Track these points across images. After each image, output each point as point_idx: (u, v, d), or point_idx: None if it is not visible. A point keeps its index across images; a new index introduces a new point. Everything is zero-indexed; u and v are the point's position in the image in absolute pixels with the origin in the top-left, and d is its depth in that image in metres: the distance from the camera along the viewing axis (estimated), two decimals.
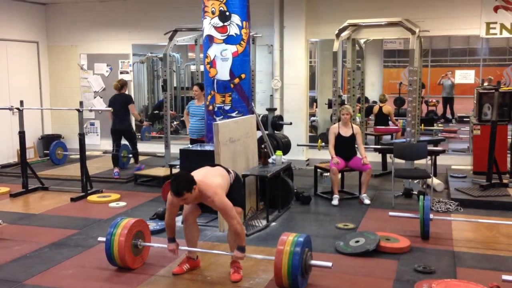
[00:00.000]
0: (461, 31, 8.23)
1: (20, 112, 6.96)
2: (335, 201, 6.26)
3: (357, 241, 4.71)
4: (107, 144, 9.95)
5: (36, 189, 7.10)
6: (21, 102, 7.01)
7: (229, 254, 4.05)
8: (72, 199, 6.55)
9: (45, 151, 9.45)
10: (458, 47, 21.15)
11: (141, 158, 9.10)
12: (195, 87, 6.98)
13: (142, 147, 9.57)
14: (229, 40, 5.59)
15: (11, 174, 8.20)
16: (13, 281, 4.06)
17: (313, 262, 3.87)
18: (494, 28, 7.66)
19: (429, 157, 6.66)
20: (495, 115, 6.59)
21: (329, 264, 3.86)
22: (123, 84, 7.91)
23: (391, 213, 5.28)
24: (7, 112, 8.32)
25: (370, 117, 10.41)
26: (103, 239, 4.24)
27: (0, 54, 9.13)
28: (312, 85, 10.90)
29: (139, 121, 8.69)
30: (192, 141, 6.83)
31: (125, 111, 7.77)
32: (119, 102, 7.76)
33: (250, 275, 4.10)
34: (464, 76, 14.92)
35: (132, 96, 9.98)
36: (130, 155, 8.36)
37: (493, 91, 6.87)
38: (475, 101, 8.00)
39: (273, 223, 5.50)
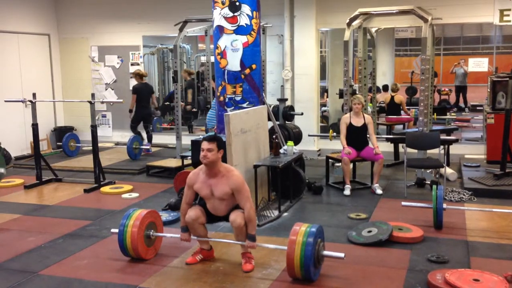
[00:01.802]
0: (474, 18, 8.11)
1: (33, 104, 7.02)
2: (347, 191, 6.24)
3: (369, 231, 4.70)
4: (119, 136, 10.02)
5: (50, 181, 7.17)
6: (34, 95, 7.06)
7: (242, 243, 4.06)
8: (85, 191, 6.61)
9: (58, 143, 9.52)
10: (471, 34, 20.87)
11: (153, 149, 9.17)
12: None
13: (154, 138, 9.63)
14: (240, 30, 5.57)
15: (25, 166, 8.28)
16: (28, 272, 4.11)
17: (325, 252, 3.86)
18: (508, 15, 7.54)
19: (442, 147, 6.61)
20: (509, 104, 6.50)
21: (342, 255, 3.86)
22: (145, 75, 8.99)
23: (403, 203, 5.26)
24: (20, 104, 8.38)
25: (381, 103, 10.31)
26: (116, 230, 4.27)
27: (12, 47, 9.20)
28: (323, 75, 10.83)
29: (155, 108, 9.57)
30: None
31: (149, 98, 8.92)
32: (145, 90, 8.84)
33: (262, 265, 4.11)
34: (478, 64, 14.71)
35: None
36: (142, 147, 8.65)
37: (507, 79, 6.78)
38: (488, 89, 7.91)
39: (285, 214, 5.51)
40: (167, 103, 11.47)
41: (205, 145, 3.93)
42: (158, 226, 4.44)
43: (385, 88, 11.88)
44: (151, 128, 9.15)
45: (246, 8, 5.55)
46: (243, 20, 5.55)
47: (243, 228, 3.98)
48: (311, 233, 3.73)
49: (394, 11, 7.35)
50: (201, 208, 4.16)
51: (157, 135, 10.11)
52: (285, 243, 4.56)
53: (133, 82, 9.91)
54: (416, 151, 6.76)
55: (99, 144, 7.04)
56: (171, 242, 4.66)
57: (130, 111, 8.89)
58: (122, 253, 4.28)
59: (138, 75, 8.83)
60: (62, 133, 9.37)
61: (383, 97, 10.59)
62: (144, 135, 9.10)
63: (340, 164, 6.58)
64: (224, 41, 5.62)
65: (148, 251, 4.30)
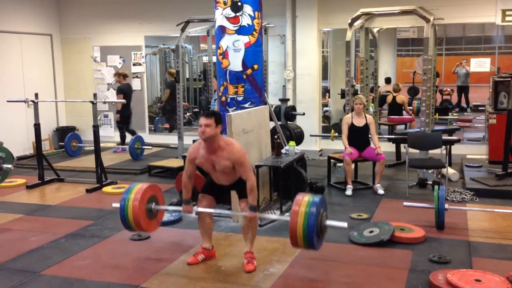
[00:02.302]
0: (476, 18, 8.10)
1: (35, 104, 7.03)
2: (348, 191, 6.24)
3: (371, 231, 4.70)
4: None
5: (52, 181, 7.19)
6: (36, 95, 7.08)
7: (243, 214, 4.04)
8: (88, 190, 6.62)
9: (60, 143, 9.53)
10: (473, 35, 20.82)
11: (155, 149, 9.18)
12: (214, 80, 7.42)
13: (155, 138, 9.64)
14: (242, 30, 5.57)
15: (27, 166, 8.30)
16: (30, 272, 4.12)
17: (328, 222, 3.82)
18: (511, 15, 7.53)
19: (443, 147, 6.60)
20: (511, 104, 6.49)
21: (345, 224, 3.84)
22: (128, 75, 9.13)
23: (405, 203, 5.26)
24: (22, 104, 8.40)
25: (383, 107, 10.33)
26: (117, 205, 4.20)
27: (14, 47, 9.22)
28: (324, 75, 10.83)
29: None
30: None
31: (131, 99, 8.92)
32: (130, 90, 8.95)
33: (264, 265, 4.12)
34: (480, 65, 14.66)
35: (145, 87, 10.08)
36: (145, 147, 8.71)
37: (509, 79, 6.77)
38: (490, 90, 7.89)
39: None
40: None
41: (202, 120, 3.93)
42: (159, 199, 4.38)
43: (388, 80, 11.87)
44: (125, 128, 9.05)
45: (248, 8, 5.55)
46: (245, 20, 5.55)
47: (254, 221, 4.05)
48: (314, 203, 3.68)
49: (396, 11, 7.35)
50: (207, 195, 4.22)
51: (158, 135, 10.14)
52: (287, 243, 4.58)
53: (135, 83, 9.95)
54: (418, 151, 6.75)
55: (101, 144, 7.05)
56: (173, 241, 4.67)
57: (118, 112, 8.84)
58: (125, 227, 4.23)
59: (122, 75, 8.82)
60: (64, 133, 9.38)
61: (385, 89, 10.56)
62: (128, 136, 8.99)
63: (342, 164, 6.58)
64: (226, 41, 5.62)
65: (150, 224, 4.25)
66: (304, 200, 3.72)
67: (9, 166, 5.01)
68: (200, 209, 4.18)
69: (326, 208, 3.89)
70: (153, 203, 4.29)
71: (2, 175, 5.07)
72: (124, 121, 8.89)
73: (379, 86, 10.03)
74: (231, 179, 4.15)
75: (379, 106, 9.50)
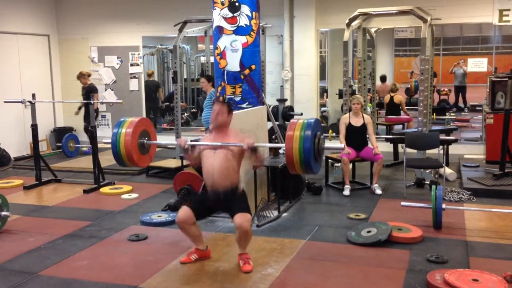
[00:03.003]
0: (474, 18, 8.13)
1: (32, 105, 7.01)
2: (346, 192, 6.25)
3: (369, 231, 4.71)
4: None
5: (49, 181, 7.17)
6: (33, 95, 7.06)
7: (240, 144, 3.96)
8: (85, 191, 6.61)
9: (57, 144, 9.52)
10: (471, 35, 20.89)
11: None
12: (202, 79, 7.27)
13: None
14: (239, 30, 5.57)
15: (25, 167, 8.28)
16: (28, 272, 4.11)
17: (326, 145, 3.78)
18: (508, 15, 7.55)
19: (441, 147, 6.61)
20: (508, 104, 6.50)
21: (342, 145, 3.89)
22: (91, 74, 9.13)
23: (403, 203, 5.26)
24: (19, 105, 8.38)
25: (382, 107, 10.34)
26: (109, 140, 4.13)
27: (11, 47, 9.20)
28: (322, 75, 10.84)
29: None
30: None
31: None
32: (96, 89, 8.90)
33: (262, 265, 4.11)
34: (477, 65, 14.72)
35: (142, 88, 10.07)
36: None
37: (507, 79, 6.78)
38: (488, 90, 7.91)
39: (285, 214, 5.51)
40: (167, 103, 11.49)
41: (216, 106, 4.11)
42: (151, 133, 4.34)
43: (383, 79, 11.82)
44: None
45: (245, 9, 5.55)
46: (243, 21, 5.55)
47: (248, 234, 3.95)
48: (309, 124, 3.60)
49: (393, 12, 7.36)
50: (187, 209, 4.04)
51: (156, 135, 10.11)
52: (285, 243, 4.59)
53: (133, 83, 9.95)
54: (415, 151, 6.76)
55: (99, 145, 7.04)
56: (171, 242, 4.66)
57: (80, 108, 8.99)
58: (117, 163, 4.18)
59: (88, 75, 8.90)
60: (62, 134, 9.36)
61: (381, 91, 10.55)
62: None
63: (339, 164, 6.58)
64: (223, 42, 5.62)
65: (143, 158, 4.21)
66: (298, 123, 3.64)
67: (7, 213, 5.07)
68: (194, 143, 4.11)
69: (321, 130, 3.83)
70: (145, 138, 4.24)
71: (2, 221, 5.13)
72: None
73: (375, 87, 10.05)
74: (228, 180, 3.96)
75: (378, 107, 9.51)
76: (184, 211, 4.05)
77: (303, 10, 8.48)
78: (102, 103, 9.05)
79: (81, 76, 8.86)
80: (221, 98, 5.74)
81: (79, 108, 9.19)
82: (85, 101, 8.42)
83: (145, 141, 4.22)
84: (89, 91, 8.76)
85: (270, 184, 5.69)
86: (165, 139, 9.80)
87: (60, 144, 8.96)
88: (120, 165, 4.21)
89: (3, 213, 5.03)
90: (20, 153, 9.12)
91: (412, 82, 9.92)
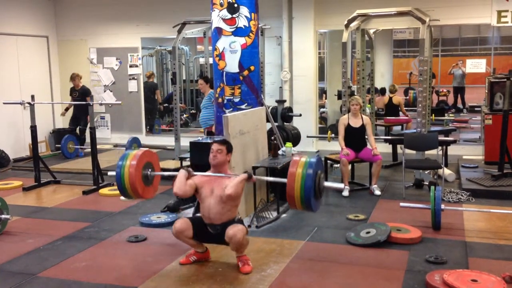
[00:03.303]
0: (472, 19, 8.16)
1: (31, 106, 7.01)
2: (345, 192, 6.24)
3: (368, 232, 4.71)
4: (118, 138, 10.04)
5: (49, 183, 7.17)
6: (32, 97, 7.06)
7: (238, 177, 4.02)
8: (84, 192, 6.61)
9: (56, 145, 9.52)
10: (469, 36, 20.90)
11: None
12: (200, 80, 7.37)
13: (152, 140, 9.63)
14: (238, 32, 5.57)
15: (24, 168, 8.28)
16: (27, 274, 4.11)
17: (326, 184, 3.79)
18: (506, 16, 7.57)
19: (440, 147, 6.62)
20: (507, 104, 6.52)
21: (341, 185, 3.84)
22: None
23: (402, 204, 5.27)
24: (18, 106, 8.38)
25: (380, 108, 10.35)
26: (113, 173, 4.17)
27: (10, 49, 9.20)
28: (321, 76, 10.86)
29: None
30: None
31: None
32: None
33: (261, 266, 4.12)
34: (475, 66, 14.73)
35: (141, 89, 10.07)
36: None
37: (505, 80, 6.79)
38: (486, 91, 7.92)
39: (284, 215, 5.51)
40: (166, 104, 11.49)
41: (215, 146, 4.09)
42: (155, 165, 4.36)
43: (383, 91, 11.87)
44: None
45: (244, 10, 5.55)
46: (242, 22, 5.56)
47: (242, 244, 3.96)
48: (311, 164, 3.65)
49: (392, 13, 7.37)
50: (187, 221, 4.08)
51: (156, 137, 10.14)
52: (284, 244, 4.59)
53: (132, 84, 9.95)
54: (414, 152, 6.77)
55: (98, 146, 7.04)
56: (170, 243, 4.66)
57: (67, 109, 9.12)
58: (122, 195, 4.23)
59: (79, 77, 9.01)
60: (61, 135, 9.36)
61: (380, 102, 10.57)
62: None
63: (338, 165, 6.59)
64: (222, 43, 5.63)
65: (147, 190, 4.24)
66: (301, 161, 3.68)
67: (7, 216, 5.07)
68: (195, 173, 4.12)
69: (323, 169, 3.86)
70: (149, 169, 4.26)
71: (2, 224, 5.13)
72: (84, 123, 9.03)
73: (376, 88, 10.05)
74: (226, 217, 4.02)
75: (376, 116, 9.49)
76: (181, 222, 4.07)
77: (301, 11, 8.50)
78: (101, 104, 9.07)
79: (76, 77, 8.89)
80: (219, 99, 5.74)
81: (66, 109, 9.23)
82: (80, 102, 8.50)
83: (149, 172, 4.26)
84: (84, 94, 8.79)
85: (269, 185, 5.69)
86: (164, 140, 9.80)
87: (59, 145, 8.95)
88: (125, 197, 4.29)
89: (3, 216, 5.03)
90: (19, 154, 9.11)
91: (411, 94, 9.98)
